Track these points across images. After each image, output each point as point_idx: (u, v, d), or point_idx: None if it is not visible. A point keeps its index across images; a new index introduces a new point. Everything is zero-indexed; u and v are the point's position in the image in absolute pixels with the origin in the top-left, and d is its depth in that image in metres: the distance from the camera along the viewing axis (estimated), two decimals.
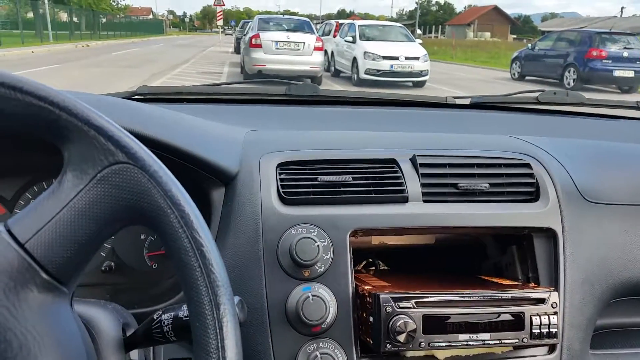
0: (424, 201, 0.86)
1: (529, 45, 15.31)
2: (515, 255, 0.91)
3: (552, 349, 0.83)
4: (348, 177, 0.85)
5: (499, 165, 0.90)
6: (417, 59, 11.20)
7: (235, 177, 0.84)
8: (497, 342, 0.75)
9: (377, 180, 0.86)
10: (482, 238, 0.97)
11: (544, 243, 0.87)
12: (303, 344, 0.76)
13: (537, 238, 0.87)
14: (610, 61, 12.22)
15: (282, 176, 0.85)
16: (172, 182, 0.48)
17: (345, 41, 12.22)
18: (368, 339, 0.77)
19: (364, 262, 1.04)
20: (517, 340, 0.76)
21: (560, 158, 0.98)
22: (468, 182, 0.87)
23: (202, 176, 0.83)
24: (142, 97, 1.25)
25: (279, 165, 0.86)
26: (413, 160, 0.89)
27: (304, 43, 10.81)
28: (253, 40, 10.66)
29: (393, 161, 0.90)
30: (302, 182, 0.84)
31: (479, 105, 1.53)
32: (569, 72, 12.69)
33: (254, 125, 1.03)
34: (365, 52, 11.18)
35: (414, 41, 12.40)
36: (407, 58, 11.11)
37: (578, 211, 0.90)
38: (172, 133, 0.80)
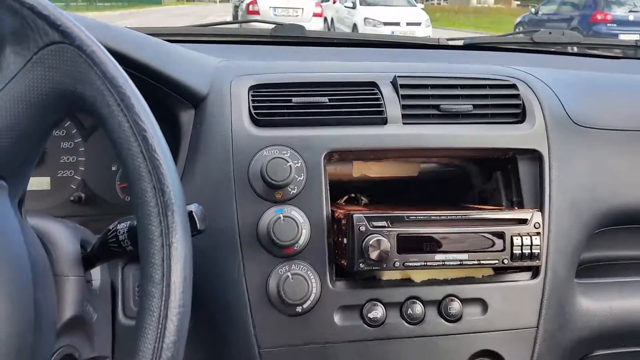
0: (404, 123, 0.82)
1: (532, 10, 15.01)
2: (499, 181, 0.87)
3: (535, 273, 0.80)
4: (324, 99, 0.81)
5: (484, 86, 0.86)
6: (418, 24, 10.97)
7: (205, 99, 0.80)
8: (476, 262, 0.73)
9: (355, 102, 0.82)
10: (466, 167, 0.93)
11: (529, 166, 0.84)
12: (275, 266, 0.73)
13: (521, 161, 0.84)
14: (615, 25, 11.94)
15: (255, 98, 0.81)
16: (112, 64, 0.45)
17: (345, 7, 11.97)
18: (343, 262, 0.74)
19: (345, 197, 1.01)
20: (497, 261, 0.73)
21: (549, 82, 0.94)
22: (451, 104, 0.83)
23: (170, 97, 0.79)
24: None
25: (252, 87, 0.82)
26: (394, 82, 0.85)
27: (303, 9, 10.61)
28: (250, 6, 10.47)
29: (373, 84, 0.85)
30: (276, 103, 0.80)
31: (472, 46, 1.48)
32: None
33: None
34: (365, 19, 10.95)
35: (415, 6, 12.15)
36: (408, 24, 10.88)
37: (566, 134, 0.86)
38: (142, 50, 0.76)
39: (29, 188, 0.87)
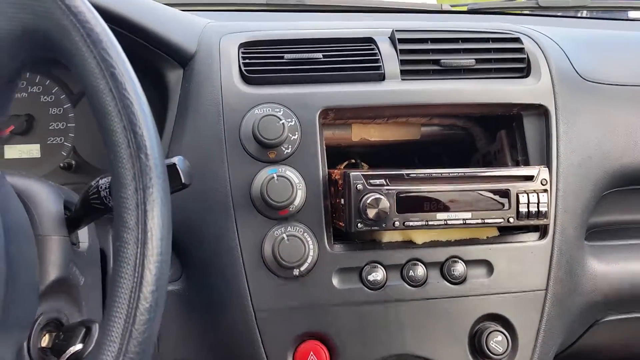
0: (403, 79, 0.78)
1: None
2: (504, 141, 0.83)
3: (543, 233, 0.77)
4: (318, 55, 0.78)
5: (486, 40, 0.82)
6: None
7: (193, 57, 0.77)
8: (480, 221, 0.69)
9: (351, 58, 0.78)
10: (470, 128, 0.89)
11: (535, 123, 0.80)
12: (270, 228, 0.70)
13: (527, 117, 0.80)
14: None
15: (245, 55, 0.77)
16: None
17: None
18: (341, 224, 0.71)
19: (345, 162, 0.98)
20: (502, 220, 0.70)
21: (556, 39, 0.89)
22: (452, 58, 0.79)
23: (156, 56, 0.76)
24: None
25: (242, 44, 0.78)
26: (392, 37, 0.81)
27: None
28: None
29: (370, 40, 0.82)
30: (267, 60, 0.77)
31: (477, 11, 1.43)
32: (580, 13, 12.18)
33: None
34: None
35: None
36: None
37: (574, 89, 0.82)
38: (123, 5, 0.72)
39: (18, 156, 0.86)
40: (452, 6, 1.45)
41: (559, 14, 1.45)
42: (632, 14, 1.52)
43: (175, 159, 0.49)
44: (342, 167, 0.97)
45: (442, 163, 0.98)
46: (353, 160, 0.98)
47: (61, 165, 0.84)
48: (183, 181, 0.49)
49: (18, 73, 0.45)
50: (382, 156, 0.99)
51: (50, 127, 0.86)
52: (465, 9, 1.46)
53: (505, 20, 1.38)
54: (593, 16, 1.49)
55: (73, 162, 0.85)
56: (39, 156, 0.86)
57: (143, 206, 0.39)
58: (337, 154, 0.88)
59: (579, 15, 1.49)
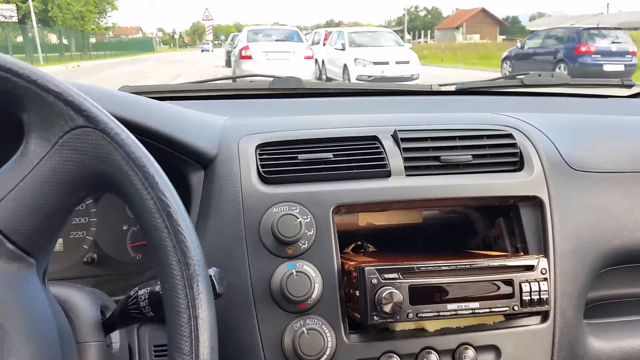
0: (407, 175, 0.85)
1: (518, 44, 15.41)
2: (502, 228, 0.89)
3: (544, 317, 0.82)
4: (329, 155, 0.85)
5: (481, 137, 0.89)
6: (407, 62, 11.22)
7: (214, 159, 0.83)
8: (487, 310, 0.74)
9: (358, 156, 0.85)
10: (469, 214, 0.96)
11: (530, 212, 0.86)
12: (290, 322, 0.74)
13: (523, 207, 0.86)
14: (599, 56, 12.30)
15: (262, 156, 0.84)
16: (135, 144, 0.47)
17: (335, 49, 12.25)
18: (356, 314, 0.75)
19: (352, 245, 1.03)
20: (507, 308, 0.75)
21: (544, 129, 0.97)
22: (450, 155, 0.87)
23: (180, 160, 0.82)
24: None
25: (259, 146, 0.85)
26: (394, 136, 0.89)
27: (294, 52, 10.85)
28: (243, 51, 10.72)
29: (374, 138, 0.89)
30: (283, 161, 0.83)
31: (464, 91, 1.53)
32: (559, 68, 12.75)
33: (237, 116, 1.02)
34: (355, 59, 11.19)
35: (403, 46, 12.45)
36: (397, 62, 11.13)
37: (564, 179, 0.89)
38: (150, 116, 0.79)
39: None
40: (440, 86, 1.55)
41: (541, 91, 1.56)
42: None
43: (211, 271, 0.54)
44: (349, 251, 1.02)
45: (443, 243, 1.03)
46: (359, 242, 1.04)
47: (85, 260, 0.88)
48: (217, 291, 0.54)
49: (77, 204, 0.50)
50: (387, 237, 1.05)
51: (73, 222, 0.90)
52: (453, 88, 1.56)
53: (492, 101, 1.48)
54: (574, 93, 1.59)
55: (95, 256, 0.89)
56: (62, 249, 0.90)
57: (196, 332, 0.43)
58: (343, 236, 0.93)
59: (560, 92, 1.60)
